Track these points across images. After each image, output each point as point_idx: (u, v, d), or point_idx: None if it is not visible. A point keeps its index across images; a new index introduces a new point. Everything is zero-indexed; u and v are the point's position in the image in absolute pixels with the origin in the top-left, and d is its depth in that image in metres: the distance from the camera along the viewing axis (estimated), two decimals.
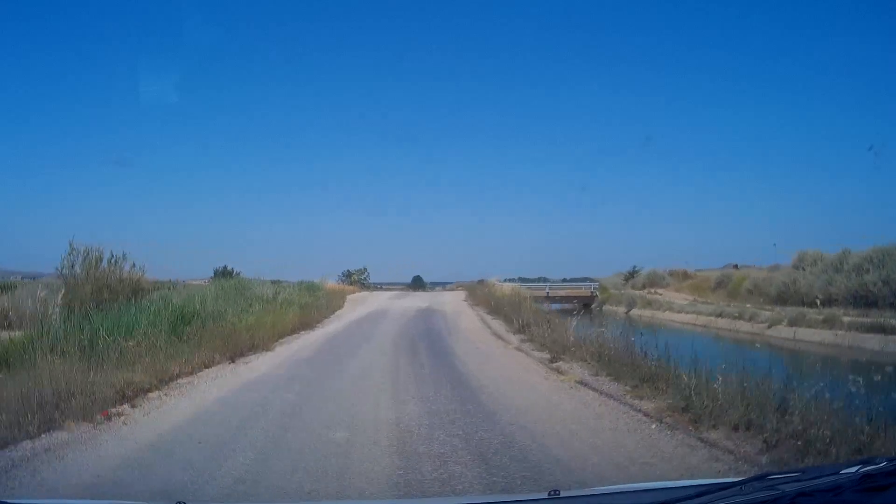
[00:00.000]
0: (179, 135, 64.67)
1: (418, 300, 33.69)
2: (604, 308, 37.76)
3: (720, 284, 35.88)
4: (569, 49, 61.81)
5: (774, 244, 66.25)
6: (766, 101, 65.91)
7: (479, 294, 34.50)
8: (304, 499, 4.53)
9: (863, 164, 66.46)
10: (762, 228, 67.21)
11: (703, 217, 70.21)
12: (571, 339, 12.35)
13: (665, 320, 28.33)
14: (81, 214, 54.27)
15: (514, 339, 15.58)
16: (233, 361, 11.72)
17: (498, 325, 19.27)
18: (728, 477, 2.95)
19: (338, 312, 25.14)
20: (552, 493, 2.15)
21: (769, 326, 23.18)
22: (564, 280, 53.13)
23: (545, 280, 48.91)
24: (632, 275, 50.26)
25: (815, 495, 1.70)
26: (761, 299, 29.90)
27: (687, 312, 28.96)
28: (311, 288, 34.40)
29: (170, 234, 57.68)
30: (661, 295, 37.84)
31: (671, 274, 47.62)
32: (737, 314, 25.09)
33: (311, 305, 24.11)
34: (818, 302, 21.70)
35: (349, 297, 36.64)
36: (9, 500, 2.42)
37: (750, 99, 67.24)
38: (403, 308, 27.37)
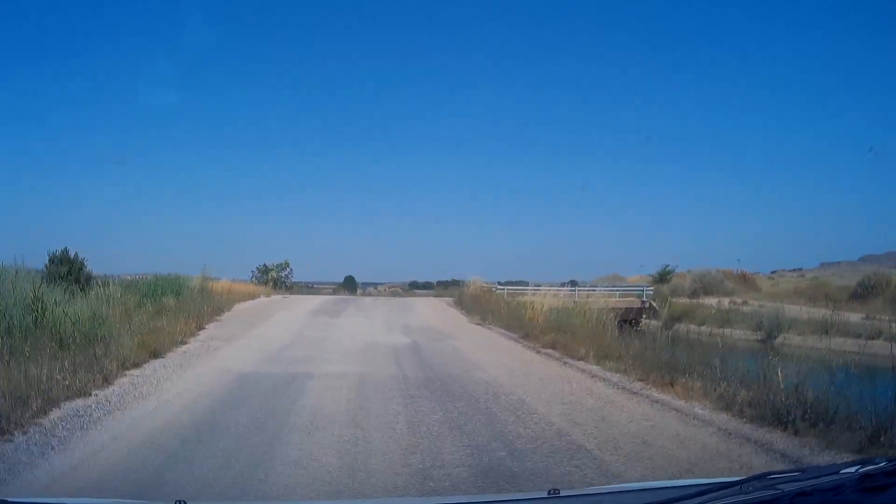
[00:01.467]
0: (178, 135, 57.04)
1: (376, 321, 17.25)
2: (677, 328, 22.40)
3: (871, 291, 21.69)
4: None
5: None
6: (765, 102, 57.32)
7: (491, 308, 18.39)
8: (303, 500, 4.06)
9: (862, 166, 57.46)
10: (758, 232, 56.60)
11: (693, 220, 58.98)
12: None
13: None
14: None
15: None
16: None
17: None
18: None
19: (110, 393, 7.45)
20: (552, 492, 2.08)
21: None
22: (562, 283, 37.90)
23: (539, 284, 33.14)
24: (663, 277, 35.61)
25: (815, 495, 1.67)
26: None
27: None
28: (155, 289, 17.09)
29: None
30: (761, 307, 23.18)
31: (726, 277, 33.46)
32: None
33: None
34: None
35: (238, 306, 19.62)
36: (9, 500, 2.12)
37: (748, 99, 57.68)
38: (356, 365, 10.82)
